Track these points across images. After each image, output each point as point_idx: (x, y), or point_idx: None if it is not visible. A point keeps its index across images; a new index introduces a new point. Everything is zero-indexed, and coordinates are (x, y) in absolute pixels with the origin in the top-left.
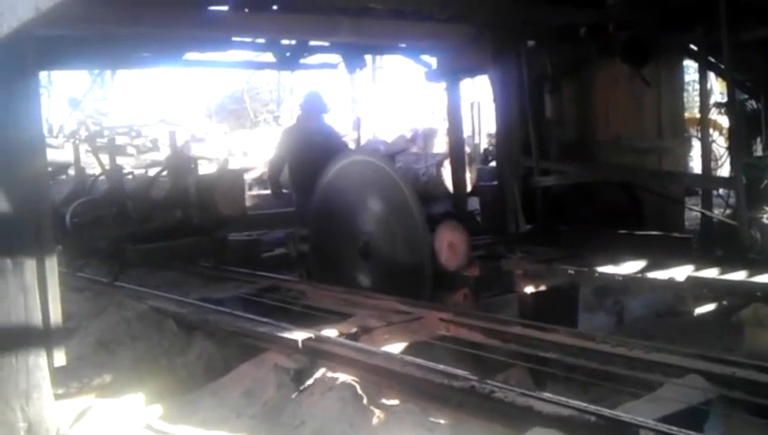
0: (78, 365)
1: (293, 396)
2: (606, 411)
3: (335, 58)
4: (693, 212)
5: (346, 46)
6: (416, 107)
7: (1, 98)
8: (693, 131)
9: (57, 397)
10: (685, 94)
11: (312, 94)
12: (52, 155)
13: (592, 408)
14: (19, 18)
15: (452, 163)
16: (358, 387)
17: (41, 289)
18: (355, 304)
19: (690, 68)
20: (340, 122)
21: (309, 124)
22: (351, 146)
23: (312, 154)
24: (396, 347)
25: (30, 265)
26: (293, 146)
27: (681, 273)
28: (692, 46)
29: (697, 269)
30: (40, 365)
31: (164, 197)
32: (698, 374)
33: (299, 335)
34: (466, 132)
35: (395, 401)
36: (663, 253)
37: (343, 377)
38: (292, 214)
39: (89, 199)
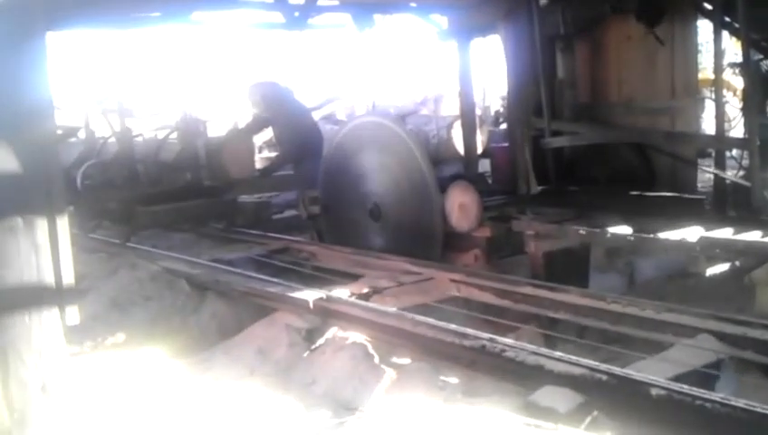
0: (92, 324)
1: (305, 355)
2: (617, 370)
3: (344, 18)
4: (706, 173)
5: (355, 5)
6: (425, 70)
7: (8, 60)
8: (706, 92)
9: (71, 355)
10: (698, 54)
11: (270, 87)
12: (62, 118)
13: (603, 367)
14: None
15: (463, 125)
16: (369, 346)
17: (53, 248)
18: (366, 265)
19: (704, 27)
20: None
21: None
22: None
23: (296, 131)
24: (407, 307)
25: (41, 223)
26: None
27: (693, 233)
28: (706, 5)
29: (710, 230)
30: (53, 323)
31: (174, 159)
32: (710, 334)
33: (310, 296)
34: (477, 94)
35: (406, 360)
36: (675, 214)
37: (354, 336)
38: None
39: (99, 162)
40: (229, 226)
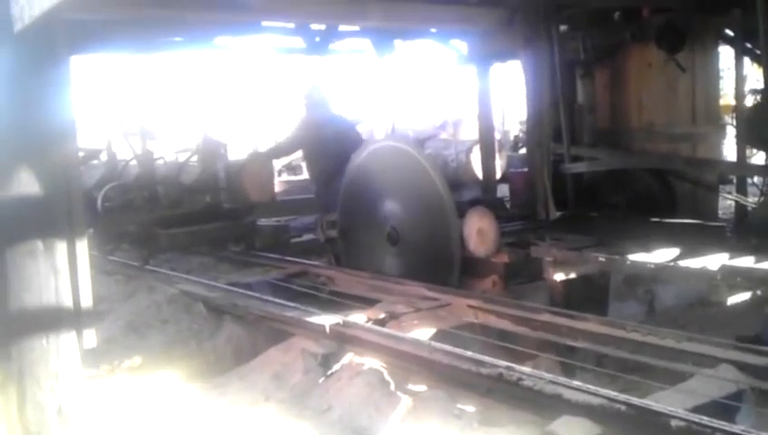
0: (108, 348)
1: (321, 381)
2: (636, 401)
3: (364, 44)
4: (727, 200)
5: (375, 31)
6: (444, 95)
7: (32, 82)
8: (728, 118)
9: (88, 378)
10: (720, 80)
11: (312, 88)
12: (84, 140)
13: (622, 397)
14: (50, 0)
15: (481, 149)
16: (385, 373)
17: (71, 271)
18: (383, 289)
19: (725, 54)
20: (358, 112)
21: (316, 117)
22: (367, 135)
23: (323, 146)
24: (424, 333)
25: (61, 246)
26: (306, 139)
27: (715, 261)
28: (727, 31)
29: (731, 258)
30: (70, 346)
31: (194, 181)
32: (731, 364)
33: (327, 320)
34: (496, 119)
35: (422, 387)
36: (696, 241)
37: (370, 362)
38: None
39: (120, 184)
40: (248, 249)
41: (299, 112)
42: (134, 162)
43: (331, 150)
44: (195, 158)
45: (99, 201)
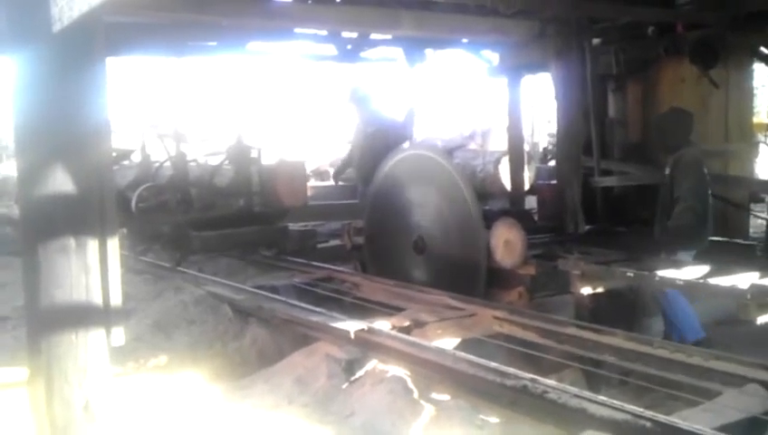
0: (135, 346)
1: (344, 386)
2: (662, 418)
3: (396, 52)
4: (758, 219)
5: (407, 40)
6: (474, 105)
7: (69, 82)
8: (761, 136)
9: (114, 375)
10: (754, 98)
11: (355, 88)
12: (117, 141)
13: (648, 414)
14: (89, 2)
15: (510, 161)
16: (408, 380)
17: (102, 269)
18: (408, 297)
19: (760, 71)
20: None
21: (361, 116)
22: (415, 133)
23: (368, 146)
24: (448, 343)
25: (93, 245)
26: (355, 142)
27: (745, 280)
28: (762, 49)
29: (762, 277)
30: (99, 343)
31: (227, 185)
32: (758, 384)
33: (351, 326)
34: (525, 130)
35: (445, 397)
36: (726, 259)
37: (394, 370)
38: (353, 205)
39: (154, 185)
40: (279, 253)
41: (351, 119)
42: (168, 164)
43: (375, 149)
44: (227, 161)
45: (133, 202)
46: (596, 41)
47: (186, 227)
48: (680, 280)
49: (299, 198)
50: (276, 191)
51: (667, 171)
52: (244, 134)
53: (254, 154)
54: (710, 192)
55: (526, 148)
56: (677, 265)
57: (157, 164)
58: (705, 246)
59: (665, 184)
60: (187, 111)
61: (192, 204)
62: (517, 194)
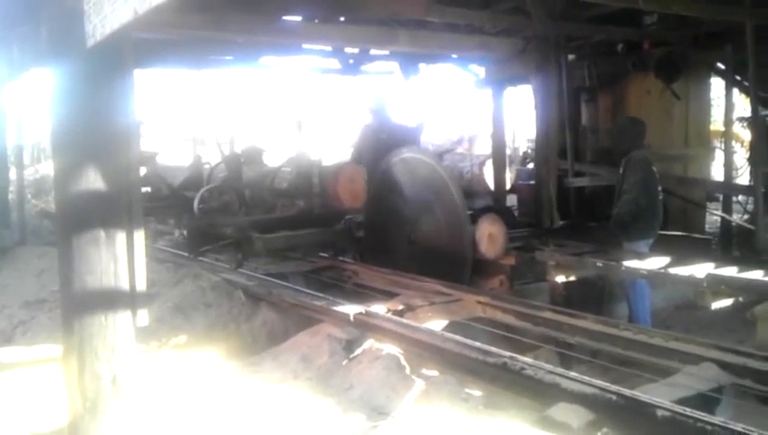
0: (158, 326)
1: (344, 363)
2: (626, 392)
3: (392, 66)
4: (713, 216)
5: (403, 55)
6: (462, 113)
7: (102, 92)
8: (717, 142)
9: (139, 352)
10: (711, 108)
11: (377, 99)
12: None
13: (614, 388)
14: (119, 20)
15: (494, 163)
16: (401, 358)
17: (129, 258)
18: (401, 284)
19: (717, 84)
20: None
21: (374, 123)
22: (422, 138)
23: (378, 149)
24: (437, 324)
25: (121, 236)
26: (364, 144)
27: (701, 270)
28: (719, 65)
29: (716, 267)
30: (125, 324)
31: (286, 187)
32: (713, 362)
33: (351, 310)
34: (507, 136)
35: (434, 372)
36: (685, 252)
37: (389, 348)
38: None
39: (216, 187)
40: (336, 255)
41: (366, 123)
42: (222, 166)
43: (385, 153)
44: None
45: (195, 202)
46: (571, 57)
47: (249, 229)
48: (644, 270)
49: (358, 200)
50: (337, 193)
51: (621, 171)
52: (302, 142)
53: (314, 157)
54: (660, 188)
55: (508, 152)
56: (641, 256)
57: (209, 166)
58: (654, 237)
59: (618, 181)
60: (209, 117)
61: (248, 205)
62: (499, 193)
